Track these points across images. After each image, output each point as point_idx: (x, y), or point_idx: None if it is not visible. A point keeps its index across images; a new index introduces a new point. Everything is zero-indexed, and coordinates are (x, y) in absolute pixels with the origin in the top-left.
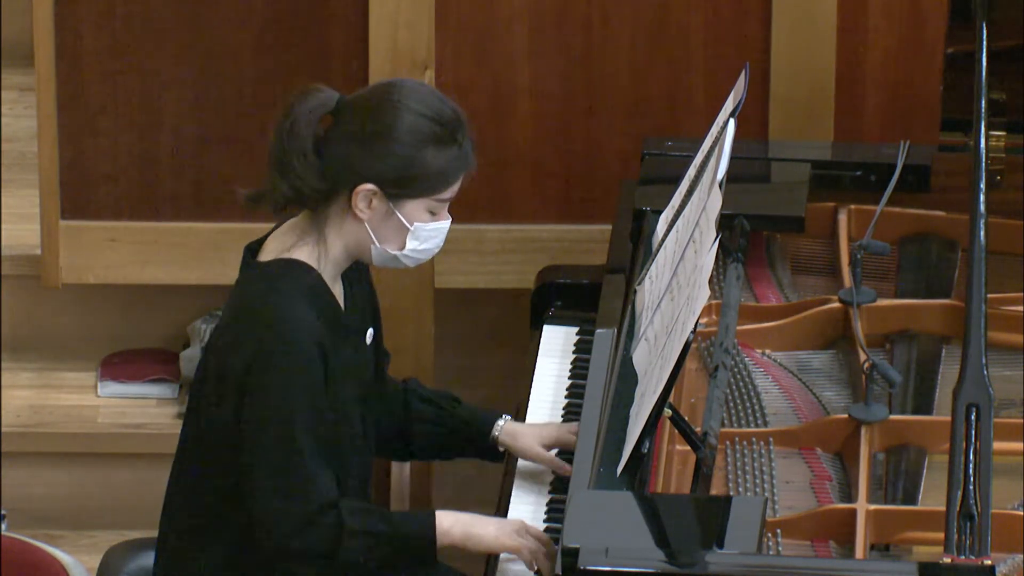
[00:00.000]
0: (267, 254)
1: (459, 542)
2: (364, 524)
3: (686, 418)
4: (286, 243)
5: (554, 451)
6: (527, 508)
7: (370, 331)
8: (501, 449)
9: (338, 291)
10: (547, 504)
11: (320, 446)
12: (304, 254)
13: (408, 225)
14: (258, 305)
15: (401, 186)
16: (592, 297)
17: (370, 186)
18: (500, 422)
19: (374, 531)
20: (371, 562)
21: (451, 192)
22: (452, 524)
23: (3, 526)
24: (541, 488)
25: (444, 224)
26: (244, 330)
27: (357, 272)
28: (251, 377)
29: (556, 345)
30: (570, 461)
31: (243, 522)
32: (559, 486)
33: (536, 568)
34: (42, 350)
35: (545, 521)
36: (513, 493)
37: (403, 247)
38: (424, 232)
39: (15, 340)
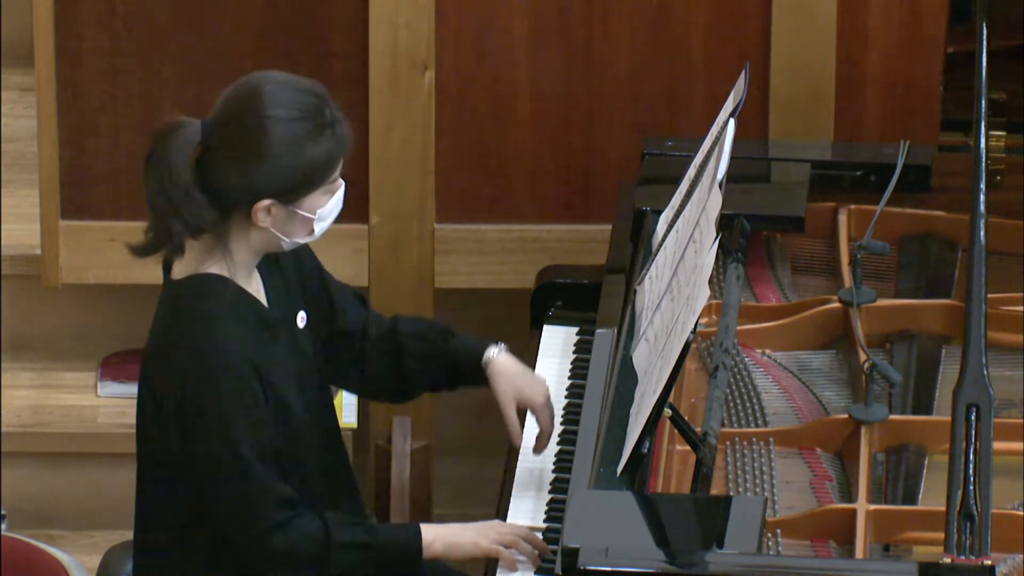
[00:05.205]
0: (178, 271)
1: (441, 554)
2: (352, 536)
3: (686, 418)
4: (193, 259)
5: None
6: (527, 508)
7: (301, 314)
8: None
9: (256, 287)
10: (547, 504)
11: (271, 458)
12: (214, 267)
13: (312, 216)
14: (182, 332)
15: (295, 191)
16: (592, 297)
17: (266, 202)
18: (491, 351)
19: (362, 543)
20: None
21: (340, 168)
22: (434, 539)
23: (3, 526)
24: (541, 488)
25: (341, 191)
26: (173, 359)
27: (274, 259)
28: (188, 407)
29: (556, 345)
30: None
31: (211, 537)
32: (559, 486)
33: (536, 559)
34: (42, 350)
35: (545, 521)
36: (513, 493)
37: (312, 232)
38: (327, 211)
39: (15, 340)
